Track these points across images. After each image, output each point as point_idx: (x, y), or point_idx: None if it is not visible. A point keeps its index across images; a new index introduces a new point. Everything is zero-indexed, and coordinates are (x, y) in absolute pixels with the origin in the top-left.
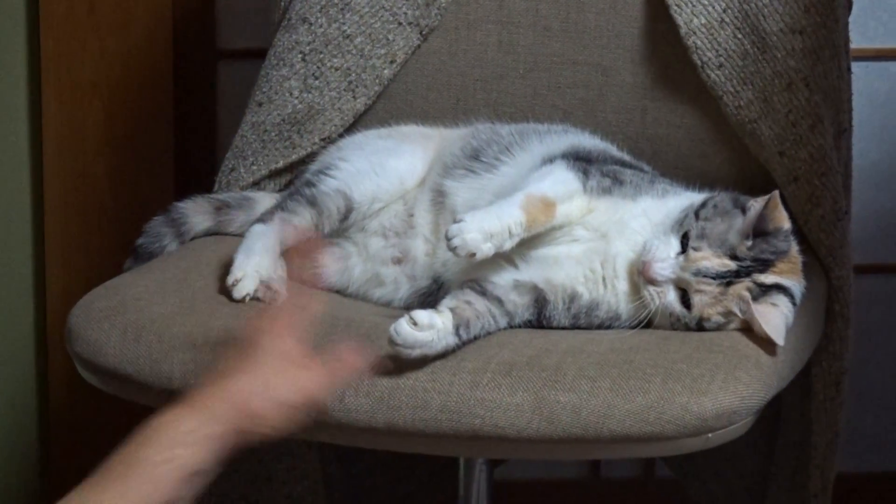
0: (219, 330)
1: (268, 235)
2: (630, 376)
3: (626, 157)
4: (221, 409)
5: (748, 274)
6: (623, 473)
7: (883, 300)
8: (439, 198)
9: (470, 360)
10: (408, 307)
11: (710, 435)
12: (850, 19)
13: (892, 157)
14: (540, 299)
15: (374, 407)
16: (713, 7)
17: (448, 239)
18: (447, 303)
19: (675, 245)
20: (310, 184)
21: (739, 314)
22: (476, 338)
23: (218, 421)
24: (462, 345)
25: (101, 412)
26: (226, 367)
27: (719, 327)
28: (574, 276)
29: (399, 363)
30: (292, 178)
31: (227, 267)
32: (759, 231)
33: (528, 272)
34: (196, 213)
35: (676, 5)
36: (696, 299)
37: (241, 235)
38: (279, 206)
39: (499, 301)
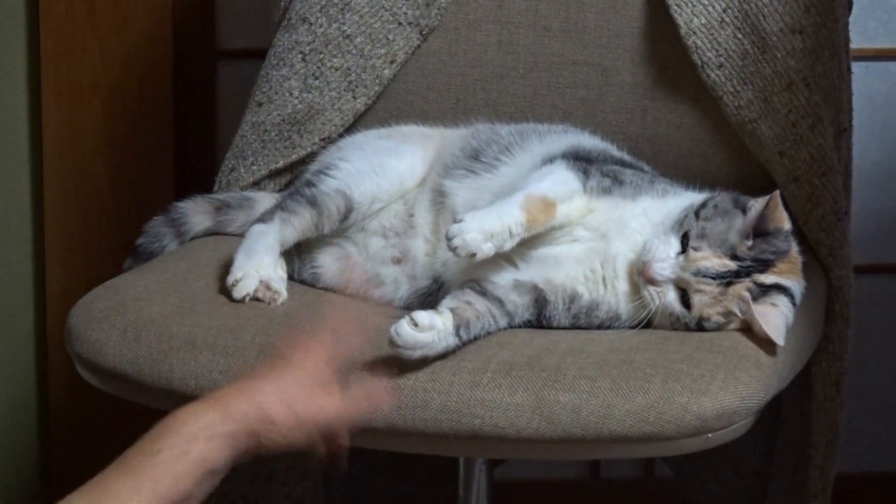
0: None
1: (268, 235)
2: (630, 376)
3: (626, 157)
4: (239, 407)
5: (748, 274)
6: (623, 473)
7: (883, 300)
8: (439, 198)
9: (470, 360)
10: (408, 307)
11: (709, 435)
12: (850, 19)
13: (892, 157)
14: (540, 299)
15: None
16: (713, 7)
17: (449, 239)
18: (447, 303)
19: (675, 245)
20: (310, 184)
21: (739, 314)
22: (476, 338)
23: (233, 419)
24: (462, 345)
25: (100, 412)
26: (253, 373)
27: (719, 327)
28: (574, 276)
29: (400, 364)
30: (292, 178)
31: (227, 267)
32: (760, 231)
33: (529, 272)
34: (196, 212)
35: (676, 5)
36: (696, 299)
37: (240, 235)
38: (279, 206)
39: (499, 301)
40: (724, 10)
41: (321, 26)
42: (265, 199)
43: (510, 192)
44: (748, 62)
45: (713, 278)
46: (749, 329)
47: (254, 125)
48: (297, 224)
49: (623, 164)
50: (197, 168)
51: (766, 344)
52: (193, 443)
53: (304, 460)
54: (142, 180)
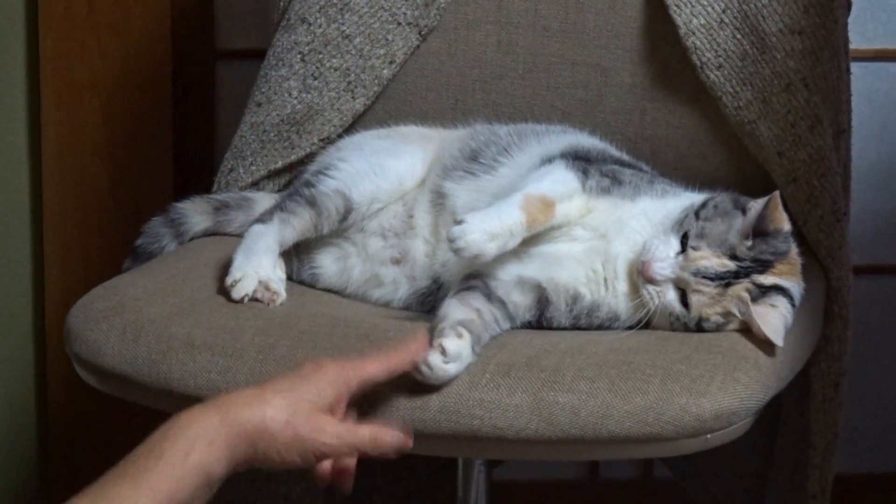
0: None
1: (267, 236)
2: (629, 377)
3: (626, 157)
4: (242, 415)
5: (747, 275)
6: (622, 474)
7: (882, 301)
8: (439, 199)
9: None
10: (407, 307)
11: (708, 436)
12: (850, 20)
13: (891, 158)
14: (542, 300)
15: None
16: (712, 7)
17: (451, 241)
18: (456, 315)
19: (674, 245)
20: (309, 184)
21: (738, 315)
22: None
23: (235, 426)
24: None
25: (99, 412)
26: (269, 382)
27: (718, 328)
28: (576, 276)
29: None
30: (291, 179)
31: (225, 267)
32: (759, 232)
33: (532, 268)
34: (195, 213)
35: (676, 6)
36: (695, 299)
37: (239, 236)
38: (278, 207)
39: (501, 303)
40: (724, 11)
41: (320, 26)
42: (264, 200)
43: (510, 193)
44: (747, 63)
45: (712, 278)
46: (748, 330)
47: (253, 125)
48: (297, 224)
49: (622, 164)
50: (196, 168)
51: (765, 345)
52: (196, 443)
53: None
54: (141, 181)
